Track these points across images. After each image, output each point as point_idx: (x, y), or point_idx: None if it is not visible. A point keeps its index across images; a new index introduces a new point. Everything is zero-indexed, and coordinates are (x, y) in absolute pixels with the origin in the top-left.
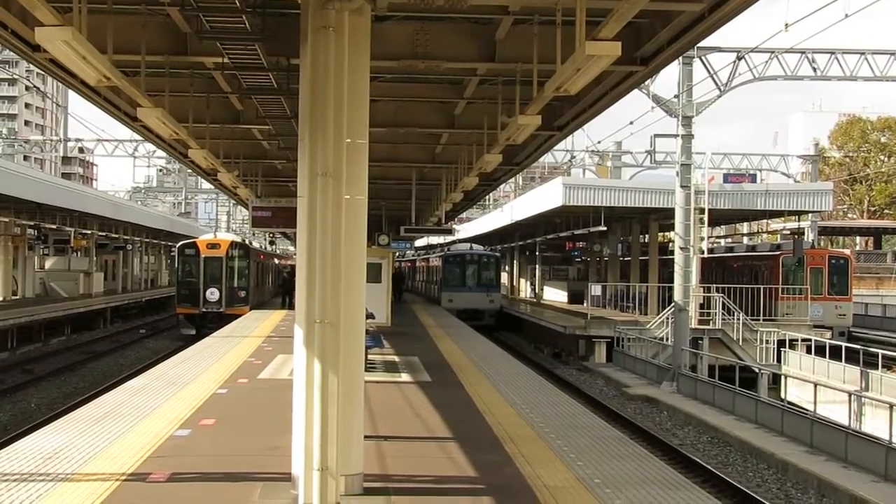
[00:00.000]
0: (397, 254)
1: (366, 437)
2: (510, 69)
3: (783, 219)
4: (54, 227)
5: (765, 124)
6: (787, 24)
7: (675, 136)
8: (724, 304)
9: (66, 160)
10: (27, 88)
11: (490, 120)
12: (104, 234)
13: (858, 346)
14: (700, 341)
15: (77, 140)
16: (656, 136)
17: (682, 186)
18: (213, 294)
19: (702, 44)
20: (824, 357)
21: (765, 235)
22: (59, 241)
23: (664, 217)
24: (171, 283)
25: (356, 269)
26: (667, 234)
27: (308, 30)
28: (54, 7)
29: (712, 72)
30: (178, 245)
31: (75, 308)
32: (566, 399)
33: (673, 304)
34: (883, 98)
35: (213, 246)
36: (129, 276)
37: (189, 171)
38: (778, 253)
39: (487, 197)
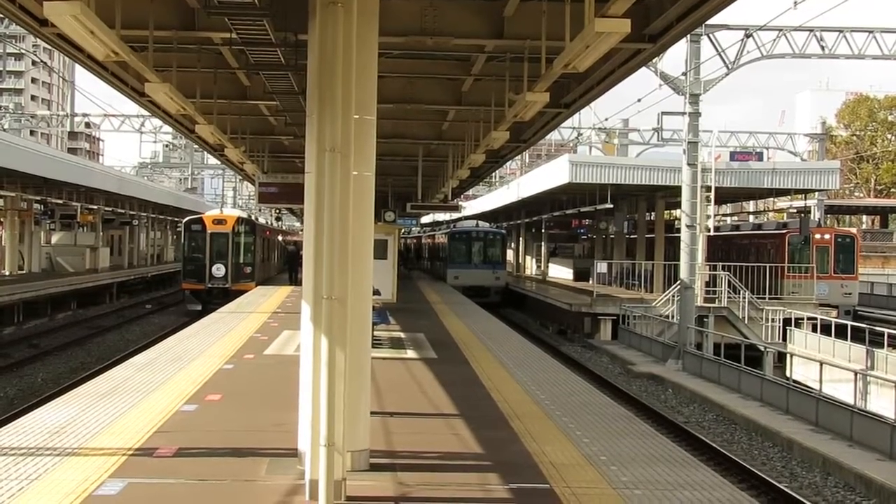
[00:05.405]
0: (402, 230)
1: (372, 413)
2: (518, 46)
3: (790, 197)
4: (61, 202)
5: (772, 102)
6: (795, 2)
7: (683, 113)
8: (729, 282)
9: (73, 135)
10: (34, 63)
11: (497, 97)
12: (110, 209)
13: (864, 325)
14: (705, 319)
15: (84, 115)
16: (663, 113)
17: (688, 164)
18: (219, 270)
19: (710, 21)
20: (830, 336)
21: (771, 214)
22: (66, 216)
23: (671, 195)
24: (177, 259)
25: (363, 245)
26: (673, 211)
27: (316, 5)
28: None
29: (720, 50)
30: (184, 221)
31: (81, 283)
32: (571, 376)
33: (679, 282)
34: (890, 77)
35: (219, 222)
36: (135, 252)
37: (196, 146)
38: (784, 231)
39: (494, 174)
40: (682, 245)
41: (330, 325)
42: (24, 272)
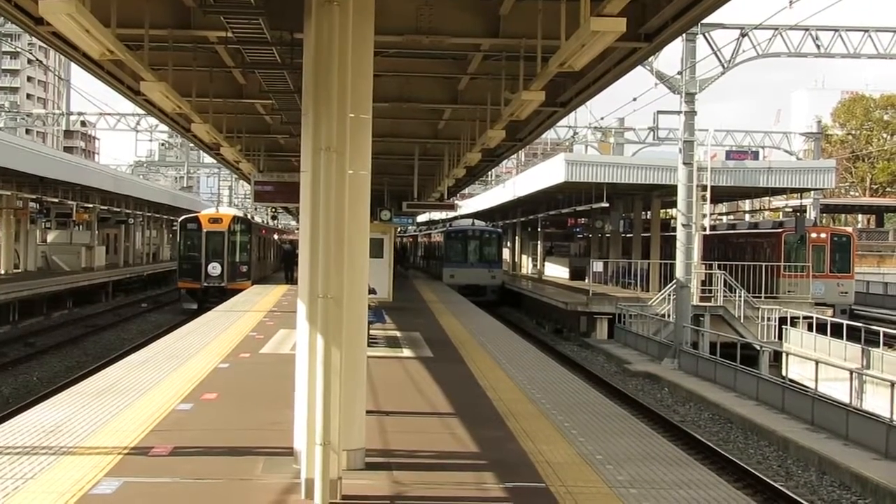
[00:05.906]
0: (399, 229)
1: (368, 412)
2: (514, 45)
3: (785, 196)
4: (56, 200)
5: (767, 101)
6: (791, 1)
7: (678, 112)
8: (725, 281)
9: (69, 134)
10: (29, 62)
11: (493, 96)
12: (106, 207)
13: (860, 324)
14: (701, 318)
15: (79, 114)
16: (659, 112)
17: (684, 163)
18: (214, 268)
19: (706, 20)
20: (826, 335)
21: (767, 213)
22: (62, 215)
23: (667, 194)
24: (173, 258)
25: (359, 243)
26: (669, 210)
27: (312, 4)
28: None
29: (716, 48)
30: (180, 219)
31: (77, 282)
32: (567, 375)
33: (675, 280)
34: (886, 76)
35: (215, 220)
36: (131, 250)
37: (191, 145)
38: (780, 230)
39: (490, 173)
40: (678, 244)
41: (326, 324)
42: (19, 271)
